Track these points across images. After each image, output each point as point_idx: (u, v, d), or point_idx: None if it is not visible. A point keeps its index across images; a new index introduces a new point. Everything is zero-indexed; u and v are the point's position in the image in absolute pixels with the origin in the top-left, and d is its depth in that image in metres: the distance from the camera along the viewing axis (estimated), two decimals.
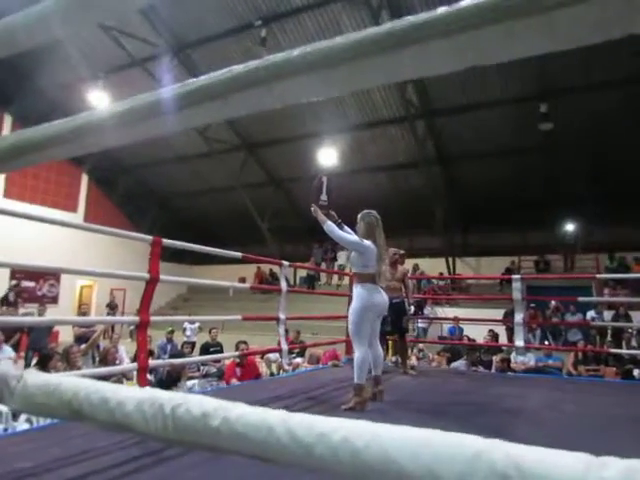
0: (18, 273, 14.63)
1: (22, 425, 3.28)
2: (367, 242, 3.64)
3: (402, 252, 5.61)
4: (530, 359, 7.96)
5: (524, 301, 5.98)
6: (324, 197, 3.75)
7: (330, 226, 3.58)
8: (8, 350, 7.55)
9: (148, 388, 0.48)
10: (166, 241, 3.21)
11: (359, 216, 3.80)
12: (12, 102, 14.61)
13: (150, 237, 3.10)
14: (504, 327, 10.46)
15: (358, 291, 3.56)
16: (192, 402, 0.42)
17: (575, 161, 11.93)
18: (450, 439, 0.31)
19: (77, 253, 14.42)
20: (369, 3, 9.50)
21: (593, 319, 10.55)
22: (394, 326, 5.26)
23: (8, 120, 14.83)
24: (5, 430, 3.36)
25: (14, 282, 14.97)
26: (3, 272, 14.31)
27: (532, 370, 7.73)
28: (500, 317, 9.56)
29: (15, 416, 3.34)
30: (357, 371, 3.41)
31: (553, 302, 11.39)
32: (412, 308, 5.44)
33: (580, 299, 7.14)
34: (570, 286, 11.12)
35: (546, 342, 10.74)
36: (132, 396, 0.45)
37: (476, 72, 10.55)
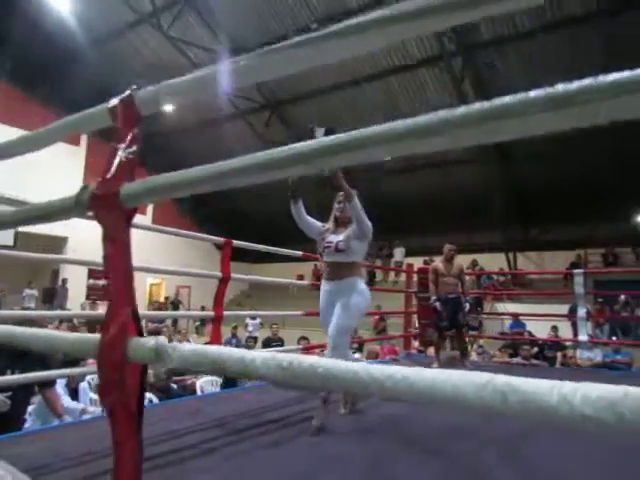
0: (95, 272, 15.71)
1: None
2: None
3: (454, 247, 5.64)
4: (597, 354, 7.77)
5: (588, 295, 5.89)
6: None
7: (358, 201, 2.83)
8: None
9: (264, 352, 0.70)
10: (236, 242, 3.50)
11: (353, 192, 2.88)
12: None
13: (222, 239, 3.39)
14: (570, 322, 10.18)
15: (363, 287, 3.01)
16: (300, 359, 0.64)
17: None
18: (469, 375, 0.50)
19: (148, 253, 15.29)
20: None
21: None
22: (451, 322, 5.33)
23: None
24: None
25: (91, 281, 16.17)
26: (82, 272, 15.47)
27: (599, 366, 7.54)
28: (565, 313, 9.33)
29: None
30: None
31: (622, 296, 10.95)
32: (467, 305, 5.46)
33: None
34: None
35: (614, 338, 10.34)
36: (258, 355, 0.67)
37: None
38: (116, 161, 0.87)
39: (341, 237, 2.97)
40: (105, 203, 0.87)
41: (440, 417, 2.76)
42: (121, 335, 0.85)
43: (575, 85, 0.47)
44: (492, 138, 0.59)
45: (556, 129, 0.51)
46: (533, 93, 0.50)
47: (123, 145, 0.87)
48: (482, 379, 0.49)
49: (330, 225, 3.12)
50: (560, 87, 0.48)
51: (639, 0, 8.80)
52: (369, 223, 2.89)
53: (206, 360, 0.72)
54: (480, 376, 0.49)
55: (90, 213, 0.94)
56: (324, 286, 3.08)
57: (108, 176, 0.88)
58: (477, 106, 0.55)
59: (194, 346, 0.77)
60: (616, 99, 0.46)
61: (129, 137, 0.88)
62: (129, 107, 0.90)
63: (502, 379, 0.49)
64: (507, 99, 0.52)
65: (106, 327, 0.87)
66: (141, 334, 0.88)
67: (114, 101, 0.93)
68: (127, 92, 0.90)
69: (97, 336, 0.91)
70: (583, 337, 5.67)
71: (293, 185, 2.95)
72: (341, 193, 3.02)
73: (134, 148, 0.87)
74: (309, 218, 3.10)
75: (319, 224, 3.14)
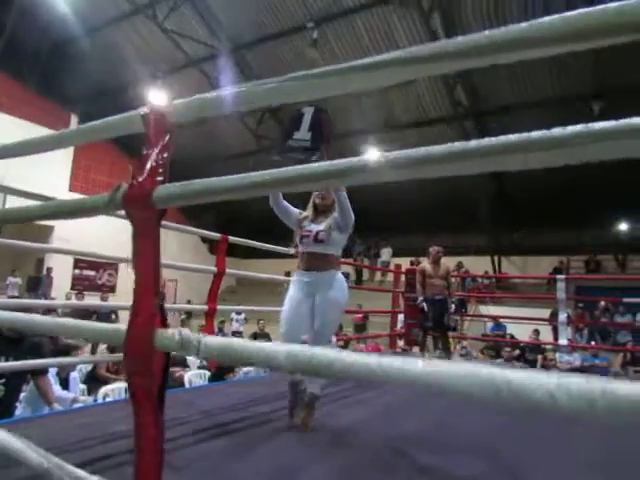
0: (81, 262, 15.63)
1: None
2: None
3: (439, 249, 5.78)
4: (576, 359, 7.98)
5: (569, 301, 6.07)
6: (302, 134, 2.28)
7: (344, 195, 2.65)
8: None
9: (285, 345, 0.79)
10: (232, 238, 3.57)
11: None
12: (78, 103, 15.59)
13: (219, 235, 3.46)
14: (550, 327, 10.42)
15: (342, 281, 2.85)
16: (319, 354, 0.73)
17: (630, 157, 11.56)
18: (474, 369, 0.60)
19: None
20: (420, 5, 9.62)
21: None
22: (436, 322, 5.47)
23: (74, 120, 15.81)
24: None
25: (77, 271, 16.07)
26: (67, 262, 15.37)
27: (577, 369, 7.75)
28: (546, 317, 9.55)
29: None
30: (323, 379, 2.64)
31: (602, 302, 11.22)
32: (453, 306, 5.61)
33: (625, 300, 7.12)
34: (622, 287, 10.92)
35: (593, 342, 10.61)
36: (281, 350, 0.76)
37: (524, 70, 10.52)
38: (148, 165, 0.95)
39: (321, 227, 2.78)
40: (138, 204, 0.94)
41: (393, 426, 2.87)
42: (149, 326, 0.93)
43: (569, 130, 0.57)
44: (494, 168, 0.69)
45: (550, 166, 0.61)
46: (534, 134, 0.59)
47: (156, 150, 0.95)
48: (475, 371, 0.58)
49: (309, 213, 2.89)
50: (557, 131, 0.57)
51: None
52: (352, 214, 2.69)
53: (233, 352, 0.80)
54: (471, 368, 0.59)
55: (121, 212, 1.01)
56: (301, 277, 2.82)
57: (141, 179, 0.96)
58: (485, 141, 0.64)
59: (220, 339, 0.86)
60: (602, 143, 0.55)
61: (160, 144, 0.96)
62: (161, 116, 0.98)
63: (498, 371, 0.58)
64: (511, 137, 0.62)
65: (134, 318, 0.95)
66: (166, 325, 0.96)
67: (145, 109, 1.01)
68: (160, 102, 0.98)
69: (123, 326, 0.99)
70: (563, 341, 5.87)
71: (275, 165, 2.55)
72: None
73: (166, 154, 0.95)
74: (287, 204, 2.87)
75: (297, 211, 2.91)
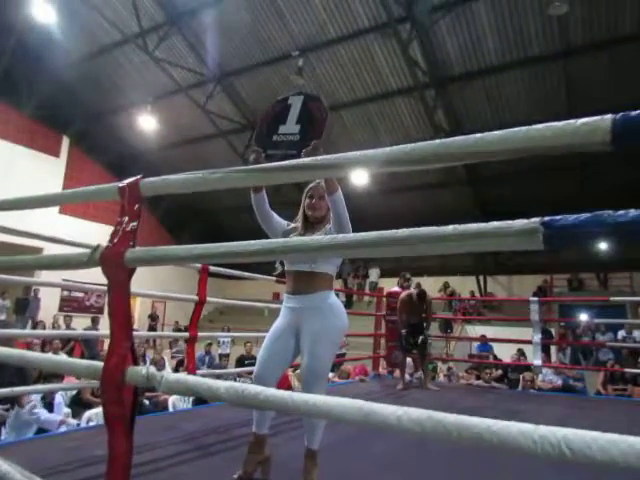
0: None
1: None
2: None
3: (408, 276, 6.06)
4: (557, 379, 8.15)
5: (541, 322, 6.30)
6: (289, 128, 1.99)
7: (342, 196, 2.18)
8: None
9: (227, 381, 1.00)
10: (213, 268, 3.77)
11: (318, 185, 2.41)
12: (70, 125, 15.84)
13: (199, 265, 3.66)
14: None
15: (338, 304, 2.38)
16: (250, 388, 0.93)
17: (611, 175, 11.84)
18: (351, 402, 0.81)
19: None
20: (399, 36, 10.05)
21: (624, 339, 10.59)
22: (412, 345, 5.68)
23: (66, 142, 16.06)
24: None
25: (65, 293, 16.11)
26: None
27: (559, 389, 7.92)
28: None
29: None
30: (319, 433, 2.27)
31: (583, 321, 11.48)
32: (428, 330, 5.83)
33: (597, 320, 7.38)
34: (604, 305, 11.20)
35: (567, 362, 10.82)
36: (222, 385, 0.97)
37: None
38: (121, 230, 1.16)
39: None
40: (112, 263, 1.15)
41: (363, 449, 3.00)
42: (121, 365, 1.13)
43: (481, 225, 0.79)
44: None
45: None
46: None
47: (127, 218, 1.16)
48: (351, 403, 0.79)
49: (298, 225, 2.47)
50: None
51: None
52: (349, 223, 2.19)
53: (185, 387, 1.01)
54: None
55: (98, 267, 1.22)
56: (286, 302, 2.40)
57: (115, 241, 1.17)
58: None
59: (177, 376, 1.06)
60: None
61: (132, 213, 1.17)
62: (134, 189, 1.19)
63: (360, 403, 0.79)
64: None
65: (109, 357, 1.15)
66: (136, 363, 1.16)
67: (123, 183, 1.22)
68: (135, 178, 1.19)
69: (101, 363, 1.19)
70: (537, 361, 6.09)
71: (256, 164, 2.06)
72: (313, 185, 2.42)
73: (136, 222, 1.16)
74: (273, 214, 2.45)
75: (284, 222, 2.51)
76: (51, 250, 14.65)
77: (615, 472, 0.65)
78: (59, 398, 5.00)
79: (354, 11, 10.73)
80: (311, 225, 2.42)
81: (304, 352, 2.25)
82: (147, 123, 14.55)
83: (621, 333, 10.81)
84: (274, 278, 5.31)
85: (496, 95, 11.49)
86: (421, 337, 5.64)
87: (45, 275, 12.95)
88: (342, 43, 11.41)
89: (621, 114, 0.64)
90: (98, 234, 7.25)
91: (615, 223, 0.62)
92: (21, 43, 13.02)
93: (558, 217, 0.69)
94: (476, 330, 12.87)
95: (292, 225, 2.50)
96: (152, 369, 1.08)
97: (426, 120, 12.13)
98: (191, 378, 1.02)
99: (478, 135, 0.79)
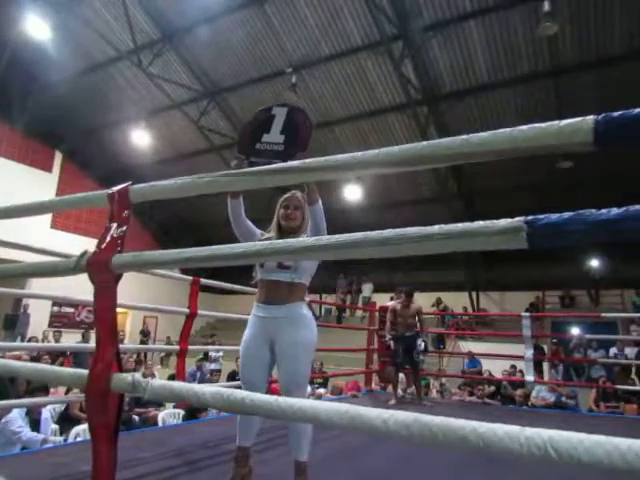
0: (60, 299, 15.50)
1: None
2: None
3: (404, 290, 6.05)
4: (551, 396, 8.13)
5: (533, 338, 6.30)
6: (273, 137, 1.99)
7: (320, 206, 2.23)
8: None
9: (214, 386, 0.98)
10: (204, 281, 3.75)
11: (293, 196, 2.47)
12: (63, 140, 15.84)
13: (190, 277, 3.65)
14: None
15: (310, 317, 2.36)
16: (236, 393, 0.92)
17: (600, 194, 11.97)
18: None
19: None
20: (391, 53, 10.19)
21: (616, 356, 10.60)
22: (404, 359, 5.65)
23: (59, 157, 16.04)
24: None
25: (55, 308, 15.94)
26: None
27: (552, 406, 7.90)
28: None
29: None
30: (306, 442, 2.23)
31: (575, 338, 11.48)
32: (423, 343, 5.79)
33: (588, 336, 7.39)
34: (596, 322, 11.22)
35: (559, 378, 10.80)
36: (208, 390, 0.95)
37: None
38: (109, 236, 1.16)
39: None
40: (99, 268, 1.14)
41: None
42: (106, 371, 1.11)
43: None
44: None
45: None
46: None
47: (115, 224, 1.16)
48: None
49: (272, 234, 2.46)
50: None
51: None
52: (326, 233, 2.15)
53: (171, 393, 0.99)
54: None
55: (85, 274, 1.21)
56: (256, 311, 2.37)
57: (102, 247, 1.16)
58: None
59: (162, 382, 1.05)
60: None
61: (121, 219, 1.16)
62: (124, 196, 1.19)
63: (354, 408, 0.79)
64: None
65: (95, 364, 1.14)
66: (121, 370, 1.15)
67: (112, 190, 1.22)
68: (124, 184, 1.19)
69: (86, 371, 1.17)
70: (530, 377, 6.06)
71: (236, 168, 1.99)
72: (288, 195, 2.44)
73: (124, 228, 1.16)
74: (248, 221, 2.43)
75: (258, 231, 2.49)
76: None
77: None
78: (46, 413, 4.92)
79: (347, 29, 10.88)
80: (286, 235, 2.37)
81: (284, 363, 2.24)
82: (141, 138, 14.59)
83: (613, 350, 10.82)
84: None
85: (487, 112, 11.66)
86: (419, 348, 5.61)
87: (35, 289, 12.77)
88: (335, 60, 11.54)
89: (603, 114, 0.65)
90: (91, 248, 7.18)
91: (597, 221, 0.62)
92: (15, 59, 13.04)
93: (541, 216, 0.69)
94: (469, 346, 12.87)
95: (266, 235, 2.48)
96: (137, 376, 1.07)
97: (418, 136, 12.23)
98: (176, 384, 1.01)
99: (464, 137, 0.80)
